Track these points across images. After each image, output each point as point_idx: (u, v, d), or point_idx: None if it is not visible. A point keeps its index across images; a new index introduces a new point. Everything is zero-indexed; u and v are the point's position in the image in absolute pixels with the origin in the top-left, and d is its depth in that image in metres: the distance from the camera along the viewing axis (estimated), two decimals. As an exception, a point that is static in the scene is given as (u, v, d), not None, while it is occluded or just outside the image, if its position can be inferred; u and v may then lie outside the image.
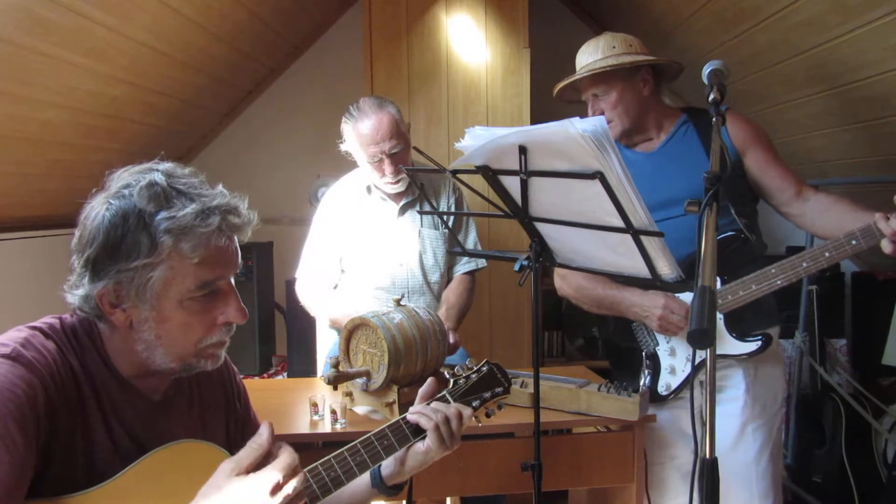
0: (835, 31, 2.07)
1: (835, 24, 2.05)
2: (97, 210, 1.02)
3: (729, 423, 1.79)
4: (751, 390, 1.80)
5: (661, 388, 1.83)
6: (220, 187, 1.09)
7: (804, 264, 1.62)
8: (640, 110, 1.84)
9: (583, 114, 1.15)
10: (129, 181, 1.04)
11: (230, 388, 1.26)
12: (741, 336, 1.74)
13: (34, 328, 1.03)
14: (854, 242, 1.57)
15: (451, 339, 1.98)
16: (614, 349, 1.98)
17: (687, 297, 1.76)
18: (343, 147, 2.15)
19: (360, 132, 2.05)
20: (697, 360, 1.73)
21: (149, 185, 1.02)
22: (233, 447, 1.21)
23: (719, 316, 1.73)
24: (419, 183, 2.17)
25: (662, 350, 1.84)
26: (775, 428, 1.84)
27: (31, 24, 1.88)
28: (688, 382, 1.79)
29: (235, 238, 1.08)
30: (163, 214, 1.00)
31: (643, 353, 1.86)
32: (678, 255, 1.67)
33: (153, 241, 1.00)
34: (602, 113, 1.82)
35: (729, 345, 1.75)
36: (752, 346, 1.73)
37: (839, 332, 3.19)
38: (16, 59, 1.95)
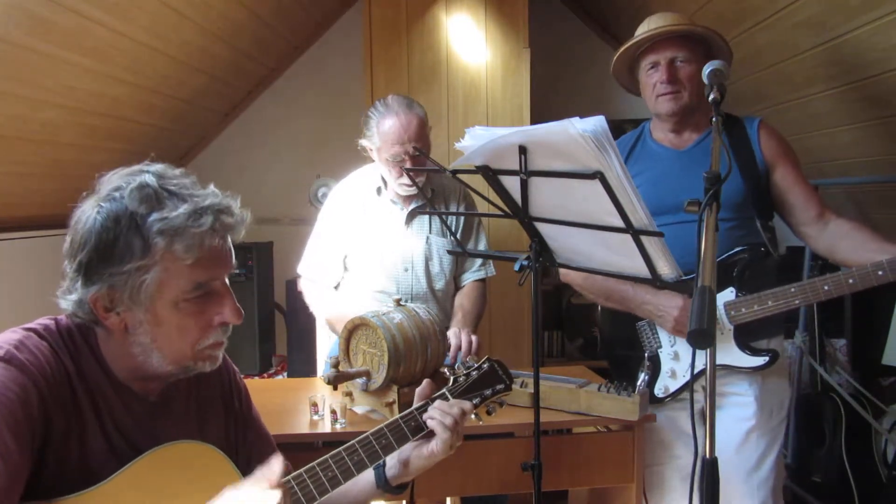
0: (835, 30, 2.08)
1: (835, 24, 2.05)
2: (88, 214, 1.01)
3: (733, 427, 1.78)
4: (758, 398, 1.79)
5: (659, 391, 1.82)
6: (211, 187, 1.08)
7: (826, 287, 1.61)
8: (702, 95, 1.69)
9: (583, 115, 1.15)
10: (119, 183, 1.02)
11: (229, 388, 1.25)
12: (751, 350, 1.74)
13: (29, 329, 1.03)
14: (881, 273, 1.56)
15: (475, 340, 1.98)
16: (613, 347, 1.97)
17: None
18: (363, 142, 2.12)
19: (386, 129, 2.02)
20: (699, 369, 1.68)
21: (140, 187, 1.01)
22: (232, 448, 1.21)
23: (729, 327, 1.73)
24: (430, 189, 2.16)
25: (665, 353, 1.82)
26: (779, 435, 1.83)
27: (31, 24, 1.88)
28: (687, 387, 1.78)
29: (229, 238, 1.07)
30: (155, 216, 0.99)
31: (645, 354, 1.83)
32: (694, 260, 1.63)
33: (146, 243, 0.99)
34: (672, 80, 1.76)
35: (737, 357, 1.74)
36: (760, 360, 1.73)
37: (839, 332, 3.19)
38: (16, 59, 1.95)
